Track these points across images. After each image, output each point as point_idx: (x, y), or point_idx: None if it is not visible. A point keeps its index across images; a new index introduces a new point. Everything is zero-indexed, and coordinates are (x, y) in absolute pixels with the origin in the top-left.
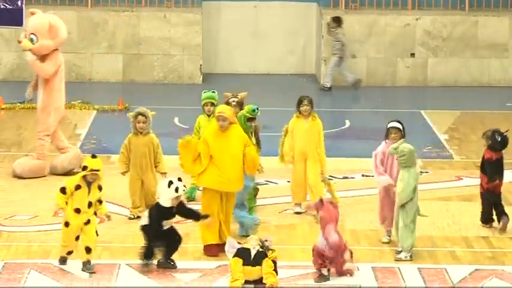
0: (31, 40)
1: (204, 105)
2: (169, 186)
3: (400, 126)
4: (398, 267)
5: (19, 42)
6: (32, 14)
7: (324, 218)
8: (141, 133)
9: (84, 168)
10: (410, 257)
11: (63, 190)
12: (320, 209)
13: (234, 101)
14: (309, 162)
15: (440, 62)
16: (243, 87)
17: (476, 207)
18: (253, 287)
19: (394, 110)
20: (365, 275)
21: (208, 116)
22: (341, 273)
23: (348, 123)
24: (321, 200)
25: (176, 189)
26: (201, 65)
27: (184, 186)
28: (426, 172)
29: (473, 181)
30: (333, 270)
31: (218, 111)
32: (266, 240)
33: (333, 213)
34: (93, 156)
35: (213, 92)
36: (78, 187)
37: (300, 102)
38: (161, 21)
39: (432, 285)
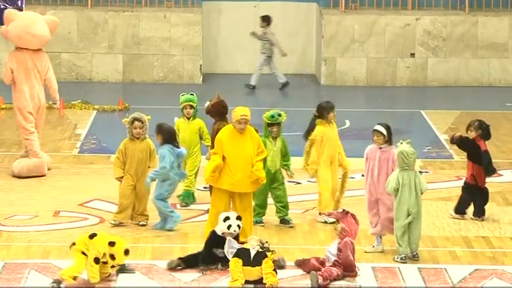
0: None
1: (183, 108)
2: (224, 221)
3: (382, 129)
4: (399, 267)
5: None
6: None
7: (344, 230)
8: (137, 138)
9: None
10: (402, 259)
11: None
12: (341, 220)
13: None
14: (332, 169)
15: (440, 62)
16: (243, 87)
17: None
18: (253, 287)
19: (394, 110)
20: (365, 275)
21: (188, 118)
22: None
23: (348, 123)
24: (344, 211)
25: (228, 227)
26: (201, 65)
27: (239, 226)
28: (426, 172)
29: None
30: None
31: (241, 113)
32: (266, 242)
33: (353, 228)
34: (92, 236)
35: (191, 94)
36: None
37: (330, 109)
38: (161, 21)
39: (432, 285)
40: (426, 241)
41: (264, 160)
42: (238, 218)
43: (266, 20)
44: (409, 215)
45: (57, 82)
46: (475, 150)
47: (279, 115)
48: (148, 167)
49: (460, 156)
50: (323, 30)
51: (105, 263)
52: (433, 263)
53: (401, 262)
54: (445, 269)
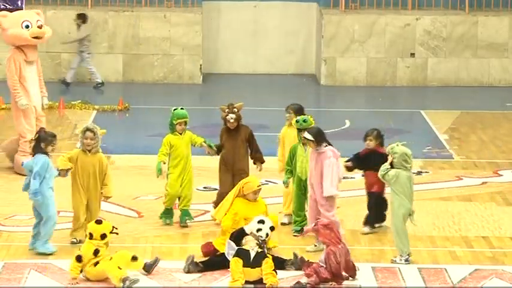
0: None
1: (177, 124)
2: (258, 223)
3: (309, 136)
4: (399, 267)
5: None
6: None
7: (324, 242)
8: (89, 151)
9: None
10: (406, 260)
11: (78, 259)
12: (317, 235)
13: (232, 118)
14: None
15: (440, 61)
16: (243, 87)
17: (477, 207)
18: (253, 287)
19: (394, 110)
20: (365, 275)
21: (180, 133)
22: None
23: (347, 123)
24: (315, 225)
25: (258, 230)
26: (201, 65)
27: (267, 235)
28: (426, 172)
29: (474, 181)
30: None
31: (258, 184)
32: (260, 236)
33: (329, 236)
34: (98, 222)
35: (181, 108)
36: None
37: (285, 110)
38: (161, 21)
39: (432, 285)
40: (426, 241)
41: (294, 168)
42: (272, 228)
43: (81, 17)
44: (409, 215)
45: (58, 82)
46: (382, 160)
47: (304, 121)
48: (101, 192)
49: (460, 157)
50: (323, 30)
51: None
52: (433, 263)
53: (406, 263)
54: (445, 269)
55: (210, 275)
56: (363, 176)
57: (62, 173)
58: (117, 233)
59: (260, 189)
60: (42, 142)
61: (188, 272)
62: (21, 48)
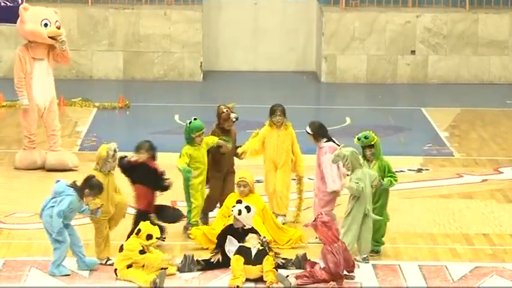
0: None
1: (196, 136)
2: (236, 202)
3: (308, 130)
4: (399, 265)
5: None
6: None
7: (321, 239)
8: (108, 172)
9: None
10: (364, 259)
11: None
12: (316, 231)
13: (234, 118)
14: (279, 172)
15: (441, 59)
16: (243, 84)
17: (477, 205)
18: (254, 286)
19: (395, 108)
20: (366, 272)
21: (199, 144)
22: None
23: (348, 120)
24: (314, 221)
25: (232, 207)
26: (201, 63)
27: (240, 211)
28: (427, 169)
29: (474, 178)
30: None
31: (240, 176)
32: (264, 237)
33: (326, 234)
34: (152, 223)
35: (195, 119)
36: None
37: (272, 112)
38: (161, 18)
39: (433, 283)
40: (427, 238)
41: None
42: (248, 208)
43: None
44: (365, 214)
45: (58, 79)
46: (151, 175)
47: (366, 137)
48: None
49: (460, 154)
50: (323, 27)
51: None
52: (433, 260)
53: (365, 262)
54: (446, 266)
55: (210, 273)
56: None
57: (94, 211)
58: (163, 240)
59: (243, 181)
60: (88, 189)
61: (190, 271)
62: (31, 45)
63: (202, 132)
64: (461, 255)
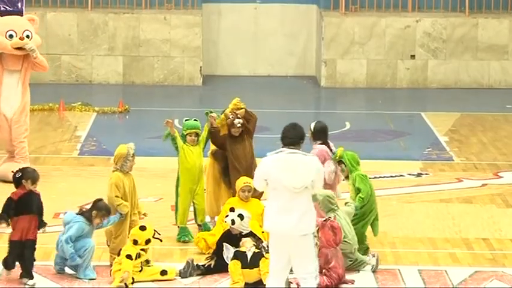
0: (27, 37)
1: (187, 134)
2: (229, 210)
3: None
4: (399, 269)
5: (22, 41)
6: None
7: (321, 241)
8: (127, 171)
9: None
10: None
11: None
12: (320, 229)
13: (239, 123)
14: None
15: (441, 63)
16: (243, 89)
17: (477, 209)
18: None
19: (395, 112)
20: (365, 276)
21: (192, 145)
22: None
23: (348, 125)
24: (325, 220)
25: (226, 216)
26: (201, 67)
27: (233, 221)
28: (426, 174)
29: (474, 183)
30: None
31: (244, 181)
32: (259, 239)
33: (328, 238)
34: (142, 228)
35: (195, 120)
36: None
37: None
38: (161, 23)
39: (432, 287)
40: (426, 243)
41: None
42: (241, 216)
43: None
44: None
45: (58, 84)
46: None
47: (334, 154)
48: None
49: (460, 159)
50: (323, 32)
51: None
52: (433, 265)
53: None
54: (445, 271)
55: (210, 277)
56: None
57: (124, 215)
58: (160, 240)
59: (247, 186)
60: (96, 210)
61: (190, 276)
62: (3, 56)
63: (195, 133)
64: (461, 260)
